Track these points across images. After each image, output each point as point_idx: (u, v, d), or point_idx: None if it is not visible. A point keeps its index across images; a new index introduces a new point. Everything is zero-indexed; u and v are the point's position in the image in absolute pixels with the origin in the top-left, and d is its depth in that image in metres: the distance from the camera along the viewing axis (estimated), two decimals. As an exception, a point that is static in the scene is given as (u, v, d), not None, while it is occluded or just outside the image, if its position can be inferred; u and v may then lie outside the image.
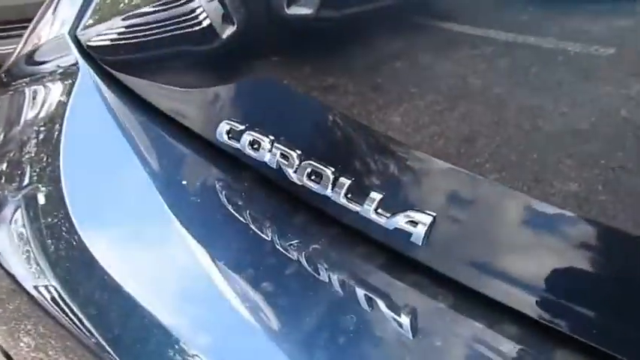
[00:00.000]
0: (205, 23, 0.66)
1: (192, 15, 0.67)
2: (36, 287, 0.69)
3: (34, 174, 0.75)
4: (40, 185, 0.74)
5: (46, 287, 0.68)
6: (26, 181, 0.75)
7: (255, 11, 0.63)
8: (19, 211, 0.75)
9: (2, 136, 0.81)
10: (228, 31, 0.64)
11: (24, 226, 0.74)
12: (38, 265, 0.70)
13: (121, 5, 0.79)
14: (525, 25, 0.47)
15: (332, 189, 0.53)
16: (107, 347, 0.57)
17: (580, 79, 0.44)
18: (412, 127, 0.50)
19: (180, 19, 0.69)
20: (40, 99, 0.81)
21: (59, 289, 0.66)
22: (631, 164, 0.40)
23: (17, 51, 0.90)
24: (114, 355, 0.56)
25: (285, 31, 0.60)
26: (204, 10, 0.66)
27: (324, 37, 0.58)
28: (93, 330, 0.59)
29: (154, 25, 0.72)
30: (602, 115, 0.42)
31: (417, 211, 0.48)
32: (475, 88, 0.48)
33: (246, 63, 0.64)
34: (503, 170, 0.45)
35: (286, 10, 0.58)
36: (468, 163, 0.47)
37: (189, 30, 0.68)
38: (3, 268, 0.73)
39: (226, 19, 0.64)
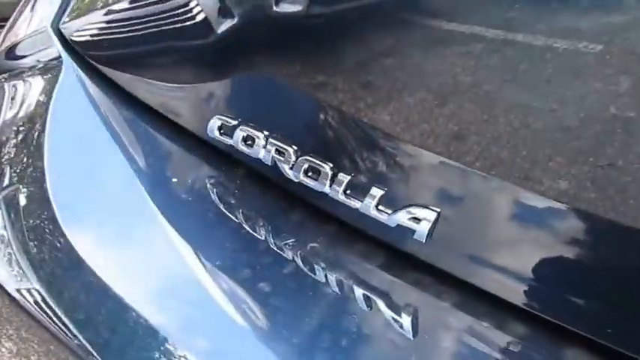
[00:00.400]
0: (197, 17, 0.64)
1: (183, 8, 0.65)
2: (19, 290, 0.66)
3: (16, 173, 0.72)
4: (22, 185, 0.71)
5: (28, 290, 0.65)
6: (7, 180, 0.72)
7: (247, 6, 0.60)
8: (0, 211, 0.72)
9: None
10: (221, 25, 0.62)
11: (5, 227, 0.71)
12: (20, 267, 0.68)
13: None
14: (515, 22, 0.45)
15: (330, 185, 0.51)
16: (92, 350, 0.54)
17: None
18: (414, 121, 0.49)
19: (169, 12, 0.67)
20: (22, 94, 0.78)
21: (43, 291, 0.63)
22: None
23: None
24: (99, 358, 0.53)
25: (280, 25, 0.58)
26: (196, 4, 0.63)
27: (321, 32, 0.56)
28: (77, 333, 0.57)
29: (142, 18, 0.69)
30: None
31: (421, 207, 0.46)
32: (477, 84, 0.47)
33: (240, 57, 0.62)
34: (509, 166, 0.44)
35: (274, 7, 0.56)
36: (473, 158, 0.45)
37: (180, 24, 0.65)
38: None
39: (220, 13, 0.62)
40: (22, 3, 0.89)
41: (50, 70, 0.77)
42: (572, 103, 0.42)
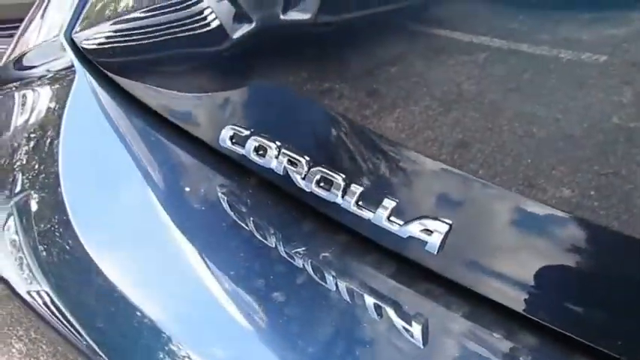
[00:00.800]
0: (209, 26, 0.63)
1: (196, 17, 0.64)
2: (29, 292, 0.66)
3: (30, 179, 0.72)
4: (34, 191, 0.71)
5: (38, 292, 0.65)
6: (20, 186, 0.72)
7: (259, 14, 0.60)
8: (12, 217, 0.71)
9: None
10: (233, 33, 0.61)
11: (17, 232, 0.71)
12: (31, 270, 0.68)
13: (119, 6, 0.75)
14: (519, 32, 0.45)
15: (342, 196, 0.51)
16: (99, 351, 0.55)
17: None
18: (427, 133, 0.48)
19: (182, 21, 0.66)
20: (33, 103, 0.78)
21: (52, 294, 0.64)
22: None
23: (6, 55, 0.86)
24: (105, 358, 0.53)
25: (292, 34, 0.58)
26: (209, 13, 0.63)
27: (334, 40, 0.55)
28: (85, 334, 0.57)
29: (155, 27, 0.69)
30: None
31: (432, 219, 0.46)
32: (486, 94, 0.46)
33: (251, 66, 0.62)
34: (522, 178, 0.43)
35: (284, 16, 0.56)
36: (485, 170, 0.45)
37: (192, 32, 0.65)
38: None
39: (232, 21, 0.61)
40: (31, 11, 0.88)
41: (61, 79, 0.76)
42: (576, 113, 0.42)
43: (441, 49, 0.50)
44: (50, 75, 0.78)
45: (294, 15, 0.56)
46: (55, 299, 0.63)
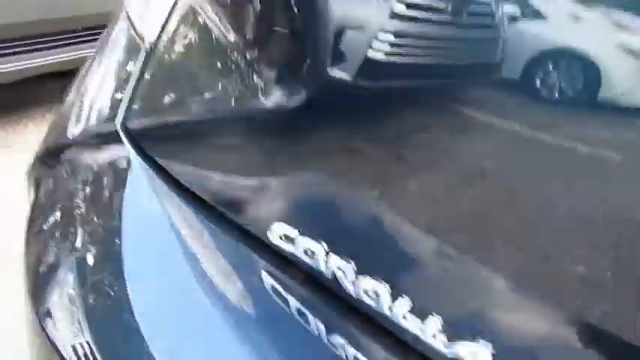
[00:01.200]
0: (261, 116, 0.64)
1: (249, 109, 0.65)
2: (73, 347, 0.71)
3: (89, 234, 0.74)
4: (93, 246, 0.74)
5: (81, 344, 0.70)
6: (79, 243, 0.74)
7: (319, 103, 0.60)
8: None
9: (50, 221, 0.79)
10: (285, 123, 0.62)
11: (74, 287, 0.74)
12: (79, 324, 0.72)
13: (175, 94, 0.76)
14: (542, 123, 0.46)
15: (389, 308, 0.53)
16: None
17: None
18: (477, 241, 0.49)
19: (234, 111, 0.67)
20: (89, 189, 0.79)
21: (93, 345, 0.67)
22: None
23: (50, 135, 0.87)
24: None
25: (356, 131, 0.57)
26: (262, 102, 0.64)
27: (397, 141, 0.54)
28: None
29: (208, 116, 0.70)
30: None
31: (476, 341, 0.49)
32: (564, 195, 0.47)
33: (305, 158, 0.62)
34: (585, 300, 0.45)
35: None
36: (541, 290, 0.46)
37: (247, 121, 0.66)
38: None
39: (285, 111, 0.62)
40: (75, 86, 0.89)
41: (117, 167, 0.78)
42: (595, 205, 0.44)
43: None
44: (104, 161, 0.80)
45: (360, 109, 0.56)
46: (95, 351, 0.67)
